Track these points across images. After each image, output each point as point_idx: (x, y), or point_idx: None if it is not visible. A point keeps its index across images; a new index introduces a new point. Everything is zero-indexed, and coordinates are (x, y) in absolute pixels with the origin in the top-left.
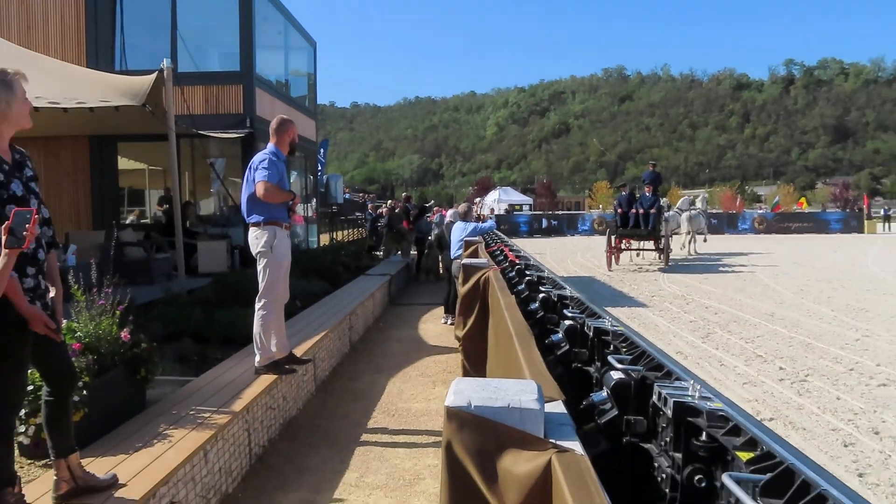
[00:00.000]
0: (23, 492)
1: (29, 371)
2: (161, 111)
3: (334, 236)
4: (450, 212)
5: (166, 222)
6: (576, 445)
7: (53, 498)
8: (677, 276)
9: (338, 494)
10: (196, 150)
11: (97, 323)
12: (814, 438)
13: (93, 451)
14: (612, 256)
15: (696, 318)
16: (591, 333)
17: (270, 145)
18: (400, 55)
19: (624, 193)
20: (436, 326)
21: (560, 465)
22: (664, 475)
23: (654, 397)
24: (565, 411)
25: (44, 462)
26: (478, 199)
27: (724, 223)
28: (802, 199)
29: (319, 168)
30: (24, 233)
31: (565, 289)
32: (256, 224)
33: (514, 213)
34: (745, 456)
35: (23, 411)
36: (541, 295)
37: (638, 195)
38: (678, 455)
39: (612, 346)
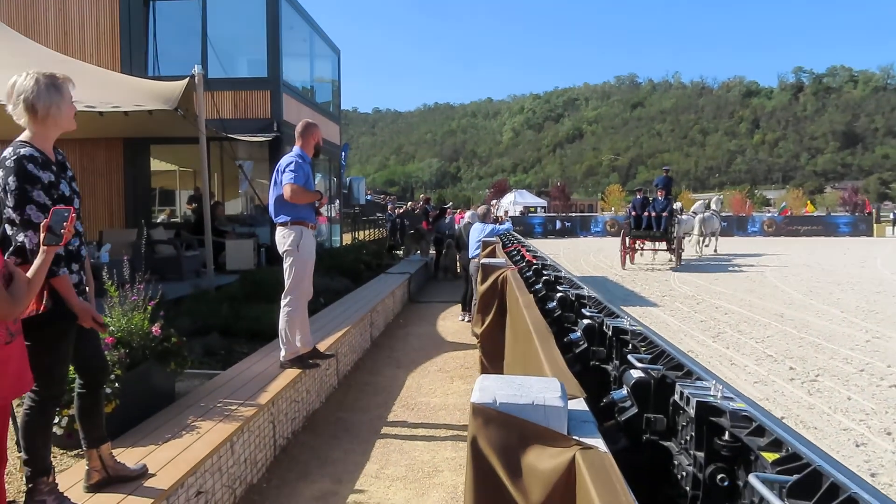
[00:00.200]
0: (56, 481)
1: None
2: (192, 115)
3: (356, 236)
4: (468, 213)
5: (195, 221)
6: (599, 443)
7: (85, 487)
8: (688, 276)
9: (359, 485)
10: (225, 152)
11: (129, 318)
12: (825, 438)
13: (124, 441)
14: (627, 256)
15: (706, 317)
16: (609, 332)
17: (296, 148)
18: (420, 63)
19: (638, 197)
20: (453, 323)
21: (584, 462)
22: (684, 473)
23: (676, 396)
24: (587, 408)
25: (76, 452)
26: (494, 202)
27: (733, 226)
28: (809, 205)
29: (341, 170)
30: (62, 231)
31: (583, 288)
32: (284, 224)
33: (529, 214)
34: (770, 457)
35: None
36: (558, 294)
37: (651, 199)
38: (700, 454)
39: (630, 345)
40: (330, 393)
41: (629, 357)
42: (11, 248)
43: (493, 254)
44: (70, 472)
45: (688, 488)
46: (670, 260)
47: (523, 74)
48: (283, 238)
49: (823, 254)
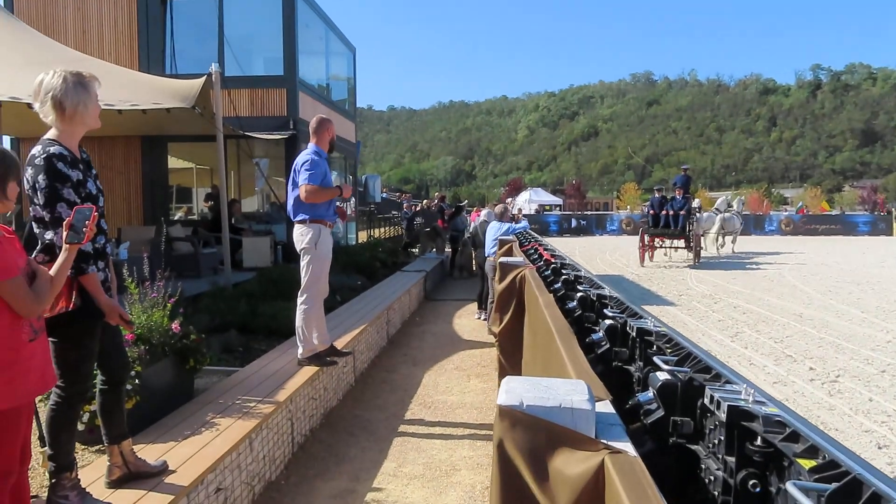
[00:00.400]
0: (78, 477)
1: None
2: (209, 113)
3: (372, 233)
4: (484, 211)
5: (213, 218)
6: (628, 446)
7: (106, 483)
8: (705, 275)
9: (377, 483)
10: (241, 150)
11: (149, 315)
12: (847, 440)
13: (144, 437)
14: (645, 253)
15: (724, 317)
16: (633, 333)
17: (311, 145)
18: (435, 61)
19: (657, 196)
20: (469, 321)
21: (614, 467)
22: (712, 477)
23: (706, 400)
24: (614, 411)
25: (97, 448)
26: (509, 200)
27: (750, 224)
28: (824, 203)
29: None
30: (84, 229)
31: (604, 288)
32: (302, 222)
33: (545, 213)
34: (807, 464)
35: None
36: (578, 294)
37: (669, 197)
38: (731, 459)
39: (655, 347)
40: (347, 390)
41: (655, 359)
42: (39, 247)
43: (509, 252)
44: (91, 468)
45: (716, 493)
46: (688, 258)
47: (538, 72)
48: (302, 236)
49: (842, 253)
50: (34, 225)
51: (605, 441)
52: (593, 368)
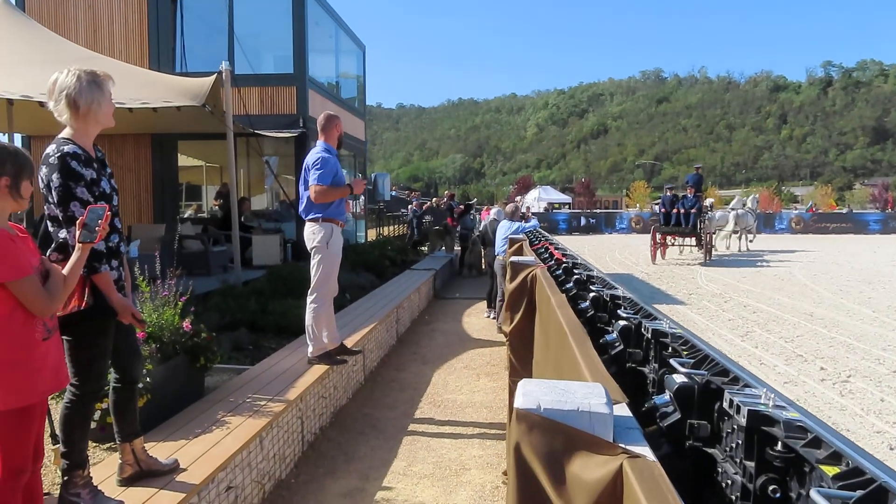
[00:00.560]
0: (90, 474)
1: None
2: (220, 111)
3: (381, 232)
4: (494, 209)
5: (222, 217)
6: (646, 451)
7: (118, 480)
8: (715, 274)
9: (386, 482)
10: (251, 148)
11: (160, 313)
12: (858, 441)
13: (155, 435)
14: (657, 251)
15: (734, 316)
16: (648, 335)
17: (321, 142)
18: (444, 58)
19: (668, 194)
20: (479, 320)
21: (633, 472)
22: (730, 481)
23: (725, 404)
24: (631, 415)
25: (108, 445)
26: (518, 198)
27: (760, 223)
28: (831, 201)
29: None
30: (97, 228)
31: (617, 288)
32: (314, 220)
33: (554, 211)
34: (830, 470)
35: None
36: (591, 294)
37: (681, 196)
38: (750, 463)
39: (670, 349)
40: (357, 389)
41: (671, 361)
42: (53, 245)
43: (520, 251)
44: (103, 466)
45: (733, 497)
46: (699, 256)
47: (548, 69)
48: (313, 234)
49: (853, 252)
50: (49, 223)
51: (623, 445)
52: (607, 370)
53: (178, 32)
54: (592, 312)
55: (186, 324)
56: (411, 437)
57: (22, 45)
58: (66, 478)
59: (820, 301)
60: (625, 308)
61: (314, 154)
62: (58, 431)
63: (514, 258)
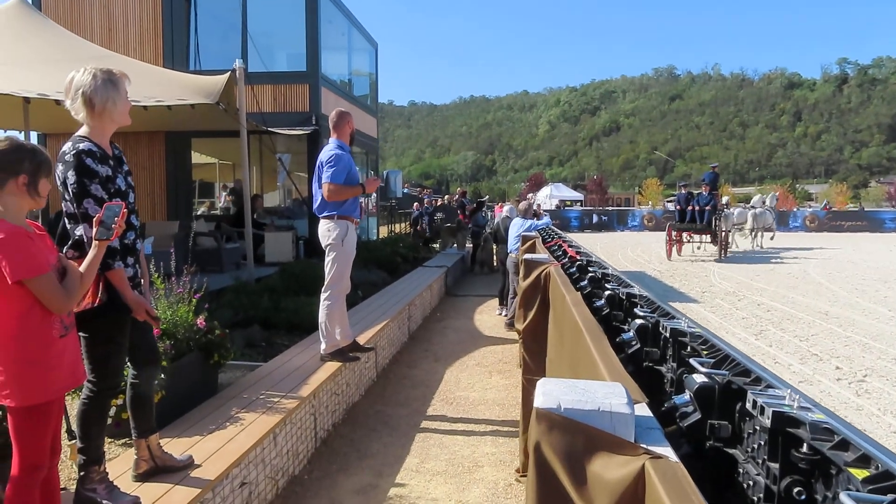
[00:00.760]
0: (107, 470)
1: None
2: (233, 109)
3: (392, 229)
4: (506, 207)
5: (235, 213)
6: (668, 451)
7: (133, 476)
8: (729, 272)
9: (399, 479)
10: (264, 145)
11: (174, 310)
12: None
13: (170, 431)
14: (673, 247)
15: (748, 314)
16: (666, 334)
17: (333, 139)
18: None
19: (683, 192)
20: (491, 318)
21: (656, 473)
22: (751, 482)
23: (749, 405)
24: (651, 414)
25: (123, 441)
26: (530, 195)
27: (774, 221)
28: (843, 200)
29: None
30: (114, 225)
31: (633, 287)
32: (329, 217)
33: (565, 208)
34: (859, 474)
35: None
36: (606, 292)
37: (696, 193)
38: (774, 465)
39: (689, 348)
40: (369, 386)
41: (691, 361)
42: (70, 242)
43: (532, 249)
44: (118, 461)
45: (755, 499)
46: (714, 252)
47: (560, 67)
48: (328, 232)
49: (868, 250)
50: (66, 221)
51: (644, 445)
52: (624, 369)
53: (192, 31)
54: (608, 311)
55: (200, 321)
56: (424, 434)
57: (38, 43)
58: (82, 473)
59: (835, 300)
60: (641, 307)
61: (328, 151)
62: (74, 427)
63: (527, 256)
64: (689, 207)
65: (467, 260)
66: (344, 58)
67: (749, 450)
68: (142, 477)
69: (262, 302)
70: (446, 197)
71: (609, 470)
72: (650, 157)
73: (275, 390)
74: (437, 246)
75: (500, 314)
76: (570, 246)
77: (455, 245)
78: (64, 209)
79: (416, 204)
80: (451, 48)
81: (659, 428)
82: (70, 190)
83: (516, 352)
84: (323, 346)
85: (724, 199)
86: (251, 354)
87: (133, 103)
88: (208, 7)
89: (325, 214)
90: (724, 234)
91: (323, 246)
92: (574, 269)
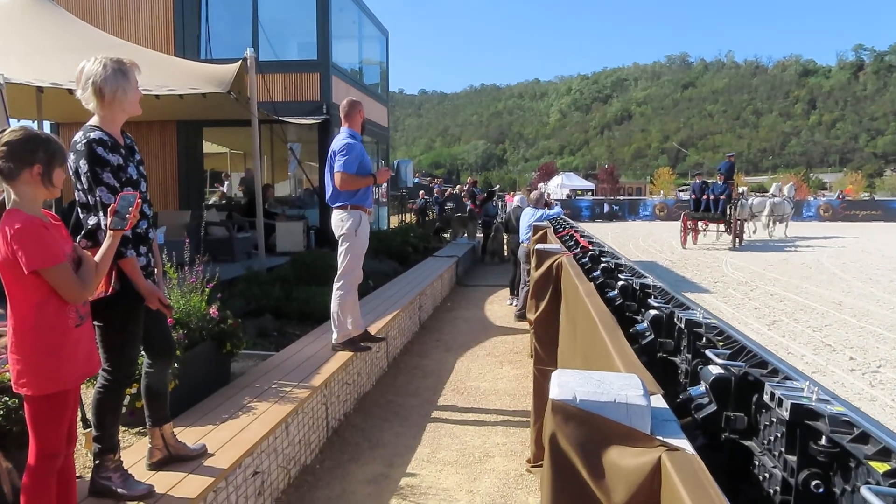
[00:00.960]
0: (121, 458)
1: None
2: (244, 98)
3: (403, 218)
4: (517, 196)
5: (246, 203)
6: (685, 443)
7: (147, 465)
8: (741, 262)
9: (410, 469)
10: (275, 134)
11: (187, 299)
12: None
13: (183, 420)
14: (688, 236)
15: (760, 305)
16: (681, 325)
17: (345, 128)
18: (466, 44)
19: (697, 181)
20: (501, 308)
21: (673, 466)
22: (768, 475)
23: (766, 397)
24: (667, 406)
25: (137, 430)
26: (541, 185)
27: (792, 210)
28: (853, 188)
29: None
30: (128, 215)
31: (647, 277)
32: (342, 207)
33: (577, 198)
34: (881, 467)
35: None
36: (619, 283)
37: (711, 182)
38: (792, 458)
39: (704, 339)
40: (380, 376)
41: (706, 352)
42: (83, 232)
43: (544, 239)
44: (132, 450)
45: (771, 491)
46: (727, 233)
47: (571, 55)
48: (342, 222)
49: (883, 240)
50: (79, 210)
51: (660, 437)
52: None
53: (203, 20)
54: (621, 301)
55: (213, 310)
56: (435, 424)
57: (51, 32)
58: (97, 461)
59: (849, 290)
60: (655, 297)
61: (339, 140)
62: (89, 416)
63: (539, 245)
64: (704, 196)
65: (478, 250)
66: (354, 46)
67: (765, 442)
68: (156, 465)
69: (274, 291)
70: (457, 187)
71: (625, 461)
72: (662, 146)
73: (287, 380)
74: (447, 236)
75: (511, 304)
76: (581, 236)
77: (466, 235)
78: (77, 199)
79: (421, 192)
80: (462, 36)
81: (675, 420)
82: (83, 179)
83: (527, 342)
84: (335, 335)
85: (741, 189)
86: (263, 344)
87: (144, 92)
88: None
89: (338, 204)
90: (738, 223)
91: (336, 236)
92: (586, 259)
